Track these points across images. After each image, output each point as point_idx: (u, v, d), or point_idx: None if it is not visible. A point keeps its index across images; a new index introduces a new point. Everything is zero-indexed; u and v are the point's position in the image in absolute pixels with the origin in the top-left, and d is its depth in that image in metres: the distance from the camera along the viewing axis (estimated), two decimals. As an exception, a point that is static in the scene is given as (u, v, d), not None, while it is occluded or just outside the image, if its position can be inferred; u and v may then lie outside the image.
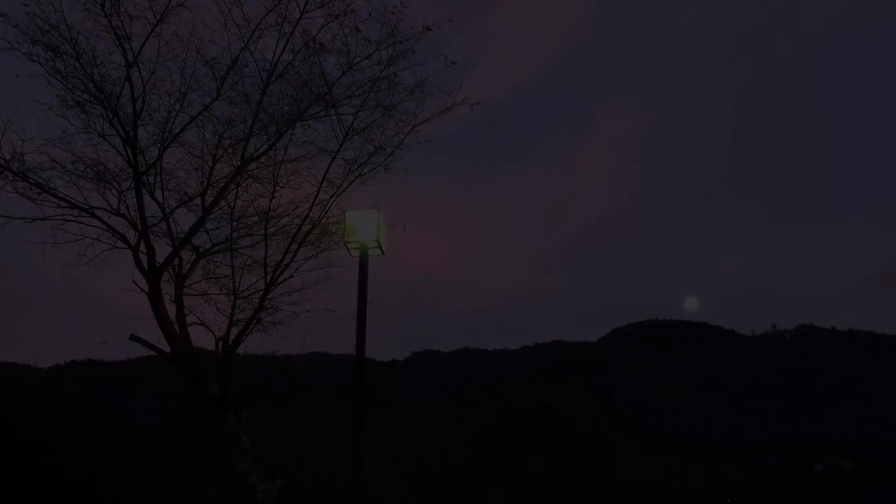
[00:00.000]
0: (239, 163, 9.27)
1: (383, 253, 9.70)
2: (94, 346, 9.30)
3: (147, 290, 8.94)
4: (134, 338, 8.88)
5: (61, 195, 8.80)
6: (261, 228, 9.84)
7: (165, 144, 8.98)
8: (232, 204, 9.87)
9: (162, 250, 9.36)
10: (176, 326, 9.22)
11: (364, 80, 8.96)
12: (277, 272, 9.30)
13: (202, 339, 9.84)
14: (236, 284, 9.79)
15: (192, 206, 9.83)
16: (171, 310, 9.30)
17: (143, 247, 9.00)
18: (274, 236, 9.82)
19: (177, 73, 8.74)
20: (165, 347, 9.08)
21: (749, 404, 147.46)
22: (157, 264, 8.97)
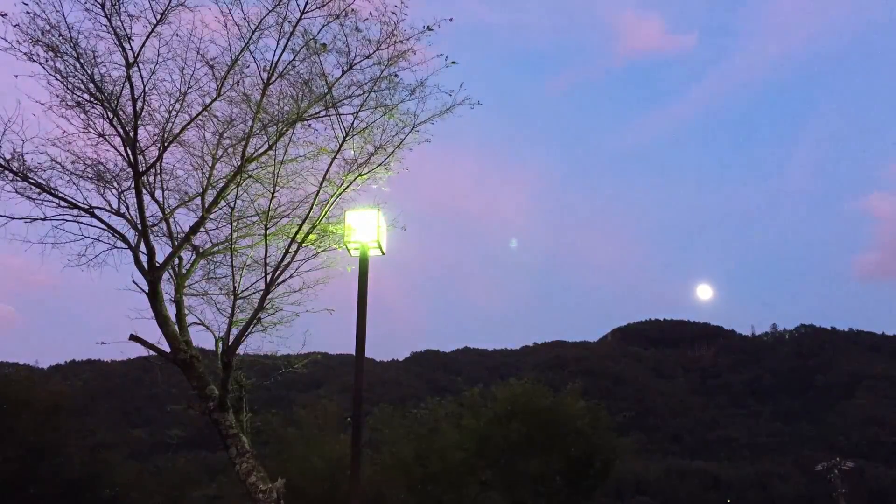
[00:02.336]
0: (239, 163, 9.28)
1: (383, 253, 9.72)
2: (94, 346, 9.32)
3: (147, 290, 8.95)
4: (134, 338, 8.89)
5: (61, 195, 8.81)
6: (261, 228, 9.84)
7: (165, 144, 8.99)
8: (232, 204, 9.88)
9: (162, 250, 9.38)
10: (176, 326, 9.23)
11: (364, 79, 8.98)
12: (277, 272, 9.30)
13: (202, 339, 9.85)
14: (236, 284, 9.78)
15: (192, 206, 9.85)
16: (171, 310, 9.30)
17: (143, 247, 9.01)
18: (274, 236, 9.82)
19: (177, 73, 8.76)
20: (165, 347, 9.09)
21: (749, 404, 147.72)
22: (157, 264, 8.98)
